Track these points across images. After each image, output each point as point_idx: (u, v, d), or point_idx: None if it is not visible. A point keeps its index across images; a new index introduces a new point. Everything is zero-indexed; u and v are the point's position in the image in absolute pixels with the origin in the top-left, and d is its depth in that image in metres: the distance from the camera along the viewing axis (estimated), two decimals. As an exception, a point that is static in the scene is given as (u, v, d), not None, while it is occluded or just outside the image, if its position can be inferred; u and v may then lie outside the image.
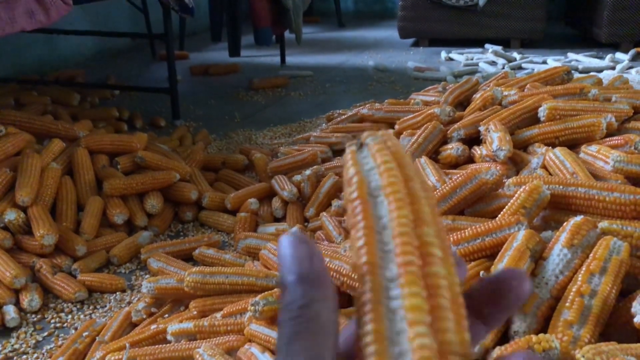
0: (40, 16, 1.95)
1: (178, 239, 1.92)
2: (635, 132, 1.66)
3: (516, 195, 1.24)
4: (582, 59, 3.86)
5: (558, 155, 1.49)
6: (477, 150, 1.74)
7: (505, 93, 1.97)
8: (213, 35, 4.99)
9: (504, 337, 1.01)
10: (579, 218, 1.11)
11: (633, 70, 3.54)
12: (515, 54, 4.03)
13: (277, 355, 0.27)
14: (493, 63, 3.88)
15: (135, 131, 2.61)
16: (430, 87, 2.67)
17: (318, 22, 5.97)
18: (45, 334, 1.51)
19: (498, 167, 1.51)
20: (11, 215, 1.72)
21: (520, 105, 1.81)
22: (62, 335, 1.51)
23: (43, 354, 1.44)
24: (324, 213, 1.77)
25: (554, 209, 1.28)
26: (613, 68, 3.63)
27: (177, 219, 2.06)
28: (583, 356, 0.86)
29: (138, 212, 1.94)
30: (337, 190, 1.92)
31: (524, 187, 1.25)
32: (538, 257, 1.09)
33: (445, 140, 1.89)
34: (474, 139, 1.83)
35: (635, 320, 0.93)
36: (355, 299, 0.28)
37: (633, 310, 0.94)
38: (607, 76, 3.02)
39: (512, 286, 0.30)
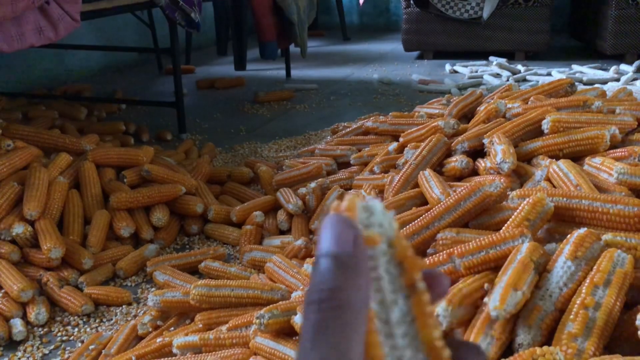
0: (49, 32, 1.98)
1: (184, 251, 1.93)
2: (639, 144, 1.66)
3: (520, 207, 1.24)
4: (586, 71, 3.87)
5: (562, 168, 1.49)
6: (481, 163, 1.75)
7: (509, 105, 1.98)
8: (219, 49, 5.05)
9: (508, 350, 1.01)
10: (582, 230, 1.11)
11: (638, 82, 3.55)
12: (519, 66, 4.04)
13: (300, 340, 0.25)
14: (497, 75, 3.89)
15: (142, 145, 2.63)
16: (434, 100, 2.68)
17: (323, 35, 6.00)
18: (52, 347, 1.52)
19: (502, 180, 1.51)
20: (19, 229, 1.74)
21: (524, 117, 1.82)
22: (69, 348, 1.51)
23: (49, 367, 1.44)
24: (329, 226, 1.78)
25: (558, 222, 1.29)
26: (618, 80, 3.63)
27: (182, 232, 2.07)
28: (587, 369, 0.86)
29: (144, 225, 1.95)
30: (342, 203, 1.92)
31: (527, 199, 1.25)
32: (542, 269, 1.09)
33: (449, 153, 1.89)
34: (478, 152, 1.84)
35: None
36: None
37: (637, 322, 0.94)
38: (611, 88, 3.02)
39: (435, 281, 0.31)
